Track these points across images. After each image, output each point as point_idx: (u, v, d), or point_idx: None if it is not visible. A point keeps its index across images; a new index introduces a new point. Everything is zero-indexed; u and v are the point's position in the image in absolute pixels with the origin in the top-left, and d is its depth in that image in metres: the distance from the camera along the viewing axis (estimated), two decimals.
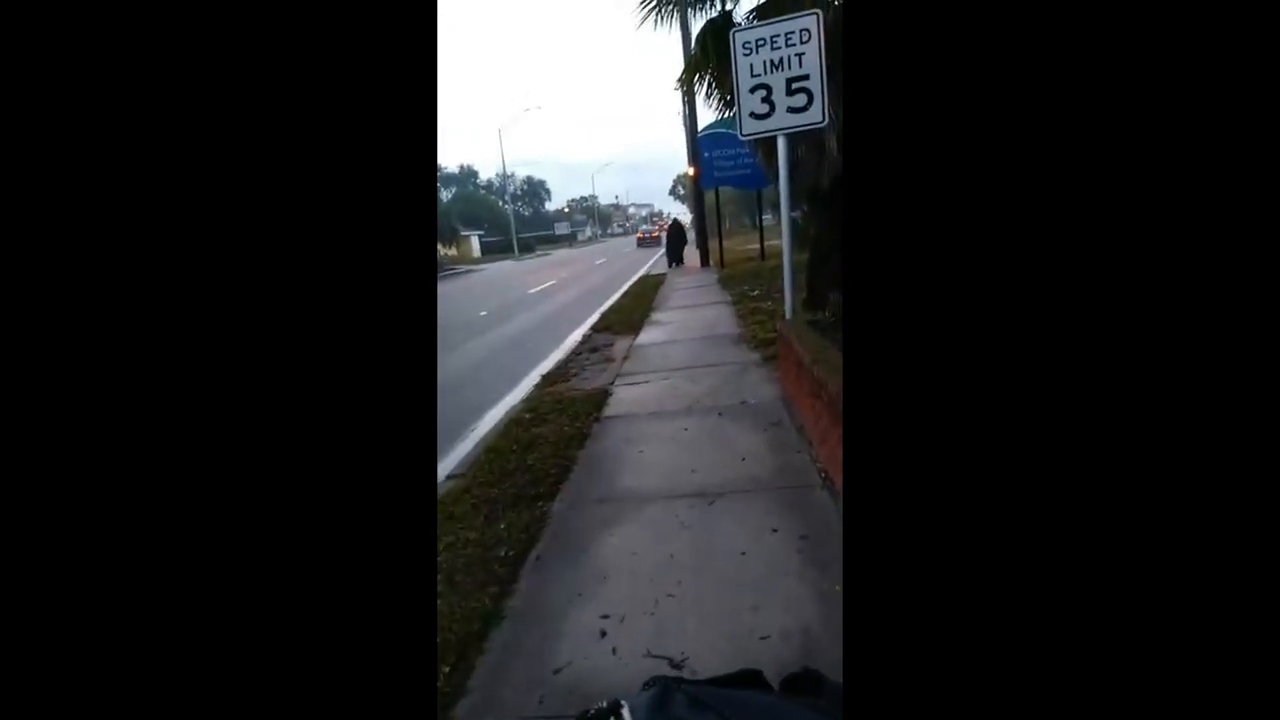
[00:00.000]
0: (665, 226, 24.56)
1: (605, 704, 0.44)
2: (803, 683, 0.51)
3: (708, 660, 1.61)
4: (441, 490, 2.94)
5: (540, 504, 2.60)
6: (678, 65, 6.65)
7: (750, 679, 0.50)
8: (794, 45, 3.56)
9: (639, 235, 34.89)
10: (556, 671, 1.64)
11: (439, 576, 2.13)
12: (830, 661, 0.56)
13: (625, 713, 0.43)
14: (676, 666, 1.61)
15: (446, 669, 1.67)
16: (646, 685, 0.47)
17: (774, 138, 3.79)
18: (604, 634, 1.76)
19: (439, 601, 1.98)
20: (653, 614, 1.83)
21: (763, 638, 1.67)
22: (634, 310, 7.97)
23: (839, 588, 1.84)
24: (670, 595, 1.90)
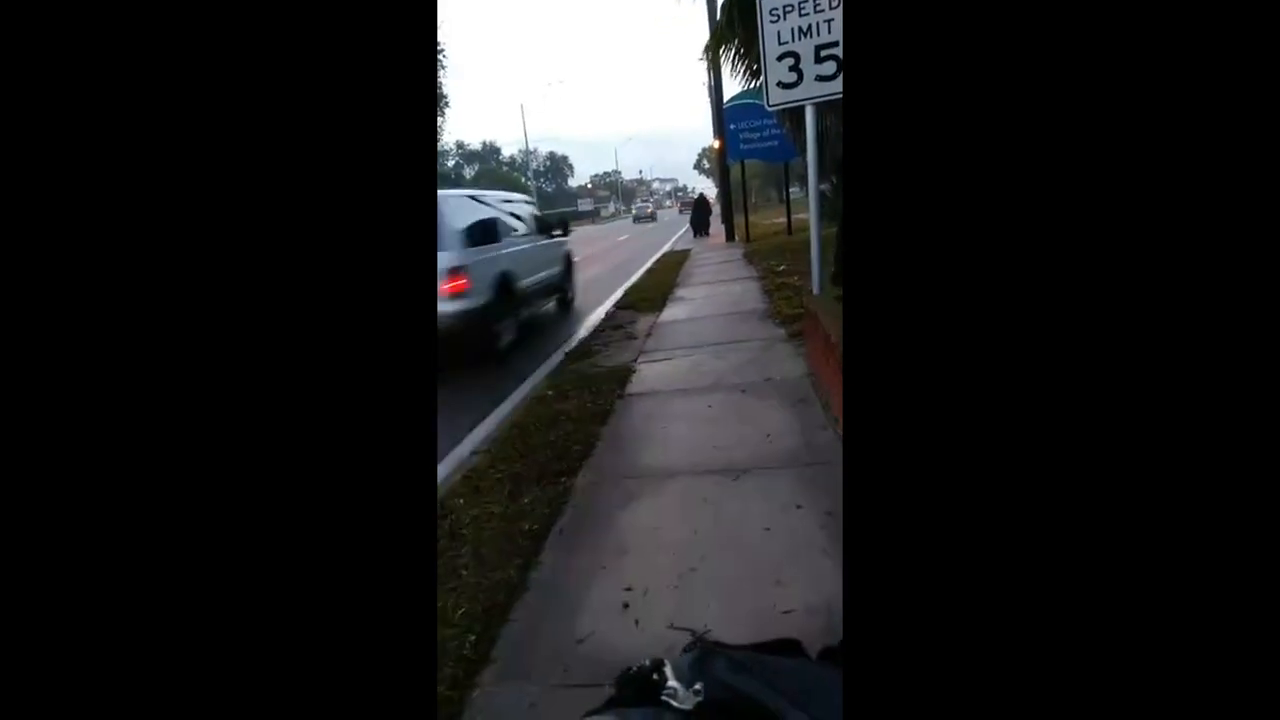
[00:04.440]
0: (687, 202, 24.60)
1: (648, 662, 0.44)
2: (840, 654, 0.51)
3: (731, 634, 1.61)
4: (467, 465, 2.98)
5: (563, 479, 2.62)
6: (703, 35, 6.51)
7: (788, 647, 0.50)
8: (823, 11, 3.44)
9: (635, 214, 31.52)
10: (580, 642, 1.66)
11: (465, 548, 2.17)
12: None
13: (667, 670, 0.43)
14: (699, 639, 1.62)
15: (473, 638, 1.70)
16: (687, 648, 0.48)
17: (802, 108, 3.69)
18: (626, 606, 1.78)
19: (465, 572, 2.02)
20: (676, 587, 1.84)
21: (786, 612, 1.67)
22: (658, 286, 7.93)
23: None
24: (693, 569, 1.91)
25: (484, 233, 4.97)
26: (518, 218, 5.98)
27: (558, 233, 7.00)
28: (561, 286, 7.03)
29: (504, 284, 5.02)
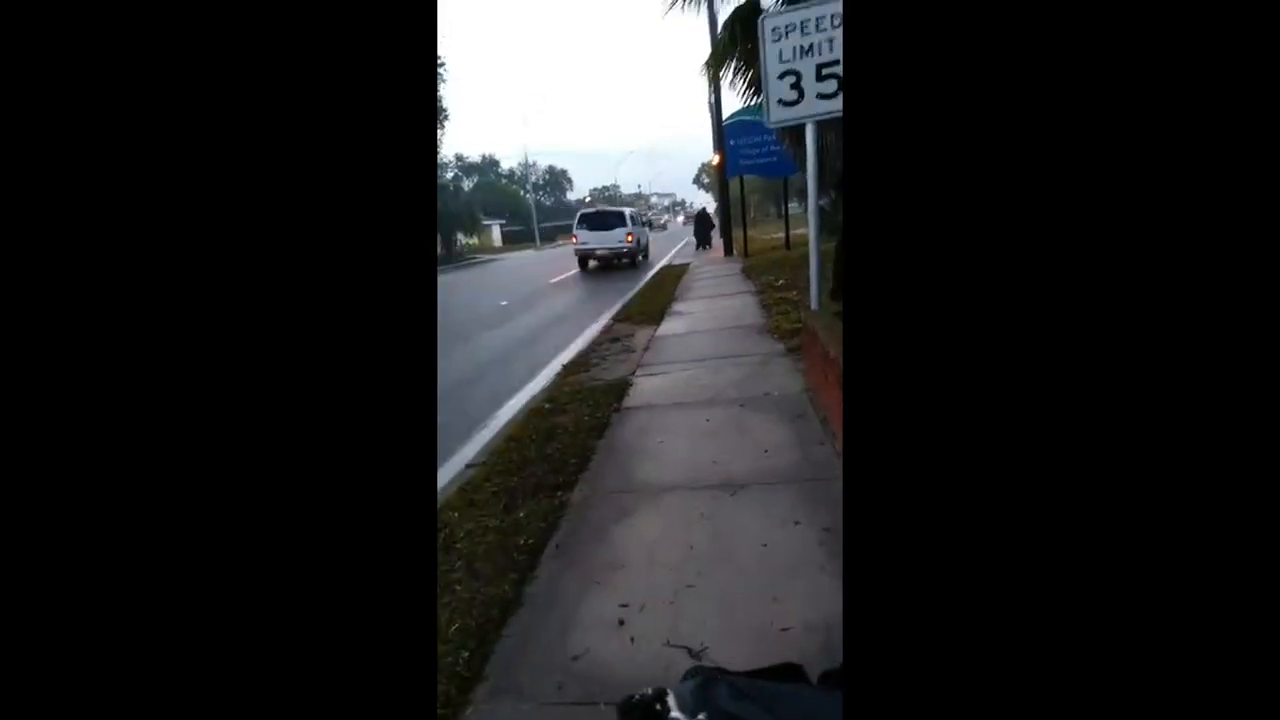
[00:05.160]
0: (691, 215, 27.14)
1: (650, 691, 0.44)
2: (839, 678, 0.50)
3: (727, 651, 1.59)
4: (462, 479, 2.96)
5: (560, 493, 2.61)
6: (704, 51, 6.60)
7: (790, 672, 0.49)
8: (825, 31, 3.48)
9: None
10: (575, 658, 1.64)
11: (459, 562, 2.15)
12: None
13: (670, 700, 0.42)
14: (695, 656, 1.60)
15: (466, 654, 1.68)
16: (688, 675, 0.47)
17: (802, 125, 3.71)
18: (622, 623, 1.76)
19: (459, 587, 2.00)
20: (672, 604, 1.82)
21: (784, 630, 1.65)
22: (655, 300, 7.94)
23: None
24: (690, 586, 1.89)
25: (632, 220, 14.99)
26: (638, 215, 16.94)
27: (646, 225, 19.33)
28: (646, 247, 16.70)
29: (638, 240, 15.07)
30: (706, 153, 17.40)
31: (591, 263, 14.73)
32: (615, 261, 14.58)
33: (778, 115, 3.68)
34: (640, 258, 15.50)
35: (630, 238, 14.49)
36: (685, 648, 1.63)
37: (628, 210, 15.68)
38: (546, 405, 3.89)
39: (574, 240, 15.13)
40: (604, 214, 15.25)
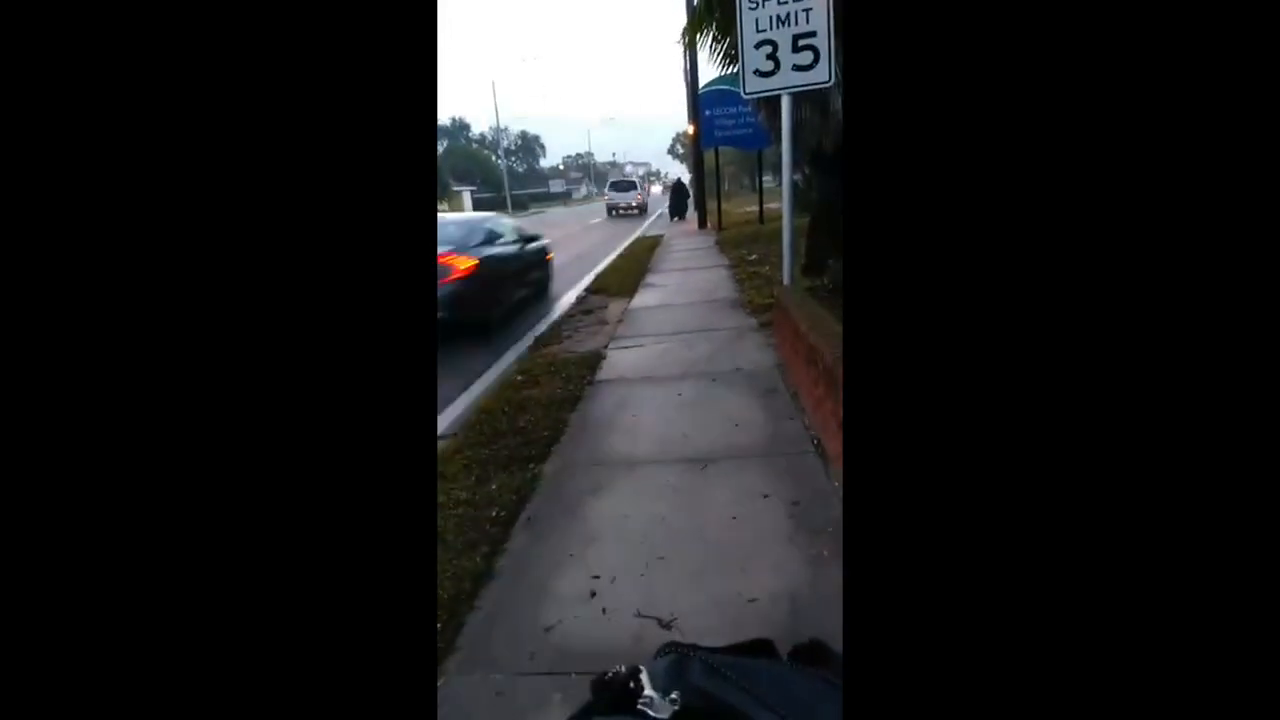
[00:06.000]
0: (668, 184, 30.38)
1: (624, 669, 0.44)
2: (809, 653, 0.51)
3: (696, 622, 1.63)
4: None
5: (532, 466, 2.61)
6: (680, 19, 6.46)
7: (762, 647, 0.50)
8: (800, 0, 3.44)
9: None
10: (547, 630, 1.66)
11: None
12: (822, 627, 0.56)
13: (644, 678, 0.42)
14: (665, 627, 1.63)
15: (438, 626, 1.68)
16: (661, 652, 0.47)
17: (777, 97, 3.69)
18: (594, 594, 1.78)
19: None
20: (643, 575, 1.85)
21: (751, 600, 1.69)
22: (629, 272, 7.89)
23: (827, 553, 1.87)
24: (660, 558, 1.92)
25: (636, 186, 29.96)
26: (641, 184, 33.38)
27: (643, 190, 31.44)
28: (647, 205, 28.72)
29: (644, 200, 29.09)
30: (681, 122, 17.50)
31: (615, 212, 25.81)
32: (629, 211, 25.37)
33: (753, 86, 3.64)
34: (645, 210, 26.57)
35: (640, 197, 26.95)
36: (655, 618, 1.66)
37: (637, 179, 29.26)
38: (519, 378, 3.87)
39: (606, 197, 28.26)
40: (625, 182, 29.01)
